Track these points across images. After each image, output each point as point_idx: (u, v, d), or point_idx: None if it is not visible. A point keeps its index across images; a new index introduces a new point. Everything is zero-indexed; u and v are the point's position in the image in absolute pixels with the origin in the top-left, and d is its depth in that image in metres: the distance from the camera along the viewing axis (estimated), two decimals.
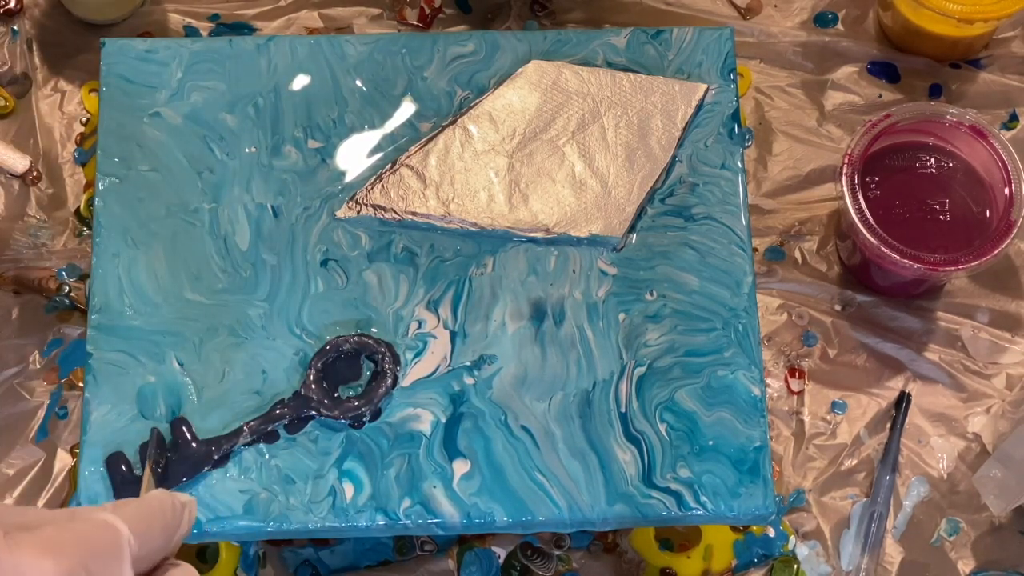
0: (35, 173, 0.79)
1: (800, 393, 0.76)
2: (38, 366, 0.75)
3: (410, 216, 0.68)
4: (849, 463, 0.75)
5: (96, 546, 0.43)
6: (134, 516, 0.46)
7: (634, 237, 0.68)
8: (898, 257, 0.70)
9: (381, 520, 0.63)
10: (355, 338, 0.65)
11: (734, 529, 0.73)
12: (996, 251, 0.70)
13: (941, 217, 0.73)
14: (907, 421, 0.75)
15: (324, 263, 0.67)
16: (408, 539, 0.72)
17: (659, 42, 0.72)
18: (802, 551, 0.73)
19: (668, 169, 0.69)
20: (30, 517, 0.44)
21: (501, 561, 0.72)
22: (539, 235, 0.68)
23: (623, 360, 0.66)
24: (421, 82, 0.71)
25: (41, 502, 0.72)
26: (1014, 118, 0.81)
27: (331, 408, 0.64)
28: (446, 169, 0.68)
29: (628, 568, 0.73)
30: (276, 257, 0.67)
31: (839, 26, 0.83)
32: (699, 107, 0.70)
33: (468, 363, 0.65)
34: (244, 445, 0.63)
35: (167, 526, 0.47)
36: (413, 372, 0.65)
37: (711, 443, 0.64)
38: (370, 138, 0.70)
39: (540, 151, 0.69)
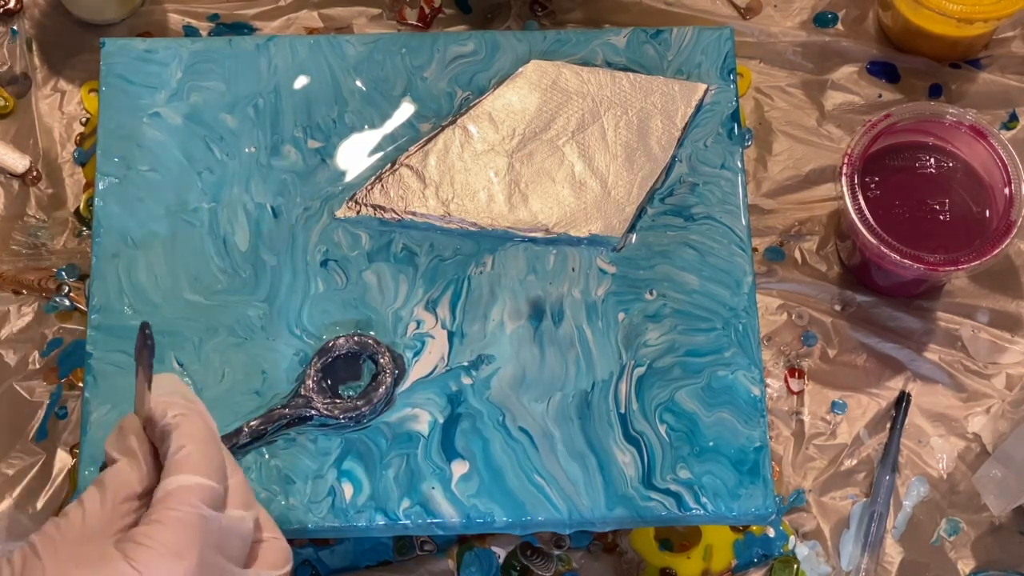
0: (35, 173, 0.79)
1: (800, 393, 0.76)
2: (38, 366, 0.75)
3: (410, 216, 0.68)
4: (849, 463, 0.75)
5: (201, 529, 0.46)
6: (201, 462, 0.47)
7: (634, 237, 0.68)
8: (898, 257, 0.70)
9: (381, 520, 0.63)
10: (355, 338, 0.65)
11: (734, 529, 0.73)
12: (996, 251, 0.70)
13: (941, 217, 0.73)
14: (907, 421, 0.75)
15: (324, 263, 0.67)
16: (408, 539, 0.72)
17: (659, 42, 0.72)
18: (802, 551, 0.73)
19: (668, 169, 0.69)
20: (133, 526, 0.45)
21: (501, 561, 0.72)
22: (539, 235, 0.68)
23: (622, 360, 0.66)
24: (421, 82, 0.71)
25: (41, 502, 0.72)
26: (1014, 118, 0.81)
27: (331, 408, 0.64)
28: (446, 169, 0.68)
29: (628, 568, 0.73)
30: (276, 257, 0.67)
31: (839, 26, 0.83)
32: (699, 107, 0.70)
33: (466, 363, 0.65)
34: (244, 446, 0.63)
35: (214, 437, 0.49)
36: (411, 372, 0.65)
37: (711, 444, 0.64)
38: (370, 138, 0.70)
39: (540, 151, 0.69)
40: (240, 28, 0.82)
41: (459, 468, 0.63)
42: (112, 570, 0.44)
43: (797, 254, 0.79)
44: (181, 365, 0.65)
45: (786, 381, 0.76)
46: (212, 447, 0.49)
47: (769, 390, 0.76)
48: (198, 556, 0.45)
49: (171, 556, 0.44)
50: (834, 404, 0.76)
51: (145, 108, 0.69)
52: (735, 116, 0.70)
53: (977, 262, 0.70)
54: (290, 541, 0.71)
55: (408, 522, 0.63)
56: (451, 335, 0.66)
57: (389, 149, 0.70)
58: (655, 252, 0.68)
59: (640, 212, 0.68)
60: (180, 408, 0.50)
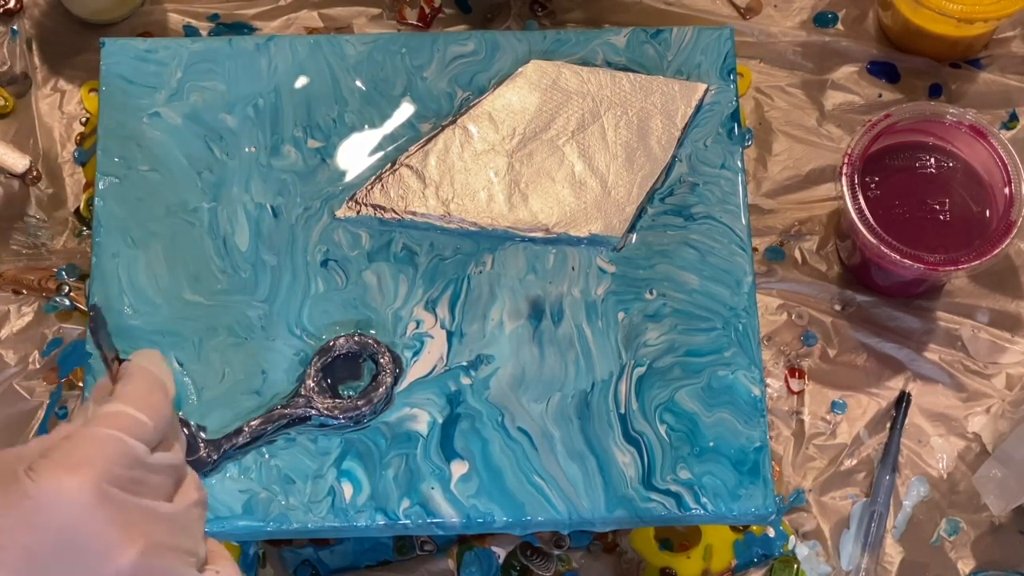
0: (35, 173, 0.79)
1: (800, 393, 0.76)
2: (38, 366, 0.75)
3: (410, 216, 0.68)
4: (849, 463, 0.75)
5: (112, 448, 0.42)
6: (139, 398, 0.45)
7: (634, 237, 0.68)
8: (898, 257, 0.70)
9: (380, 520, 0.63)
10: (355, 338, 0.65)
11: (734, 529, 0.73)
12: (996, 251, 0.70)
13: (941, 217, 0.73)
14: (907, 421, 0.75)
15: (324, 263, 0.67)
16: (408, 539, 0.72)
17: (659, 42, 0.72)
18: (802, 551, 0.73)
19: (668, 169, 0.69)
20: (51, 443, 0.43)
21: (501, 561, 0.72)
22: (539, 235, 0.68)
23: (622, 360, 0.66)
24: (421, 82, 0.71)
25: None
26: (1014, 118, 0.81)
27: (331, 408, 0.64)
28: (446, 169, 0.68)
29: (628, 568, 0.73)
30: (276, 257, 0.67)
31: (839, 26, 0.83)
32: (699, 107, 0.70)
33: (465, 363, 0.65)
34: (244, 446, 0.63)
35: (164, 390, 0.47)
36: (411, 372, 0.65)
37: (711, 444, 0.64)
38: (370, 138, 0.70)
39: (540, 151, 0.69)
40: (240, 28, 0.82)
41: (458, 468, 0.63)
42: (11, 481, 0.43)
43: (797, 254, 0.79)
44: (181, 365, 0.65)
45: (786, 381, 0.76)
46: (157, 394, 0.46)
47: (769, 390, 0.76)
48: (96, 474, 0.41)
49: (65, 468, 0.42)
50: (834, 404, 0.76)
51: (145, 108, 0.69)
52: (735, 116, 0.70)
53: (977, 262, 0.70)
54: (290, 541, 0.72)
55: (408, 522, 0.63)
56: (450, 335, 0.66)
57: (389, 149, 0.70)
58: (655, 252, 0.68)
59: (640, 212, 0.68)
60: (139, 363, 0.49)
